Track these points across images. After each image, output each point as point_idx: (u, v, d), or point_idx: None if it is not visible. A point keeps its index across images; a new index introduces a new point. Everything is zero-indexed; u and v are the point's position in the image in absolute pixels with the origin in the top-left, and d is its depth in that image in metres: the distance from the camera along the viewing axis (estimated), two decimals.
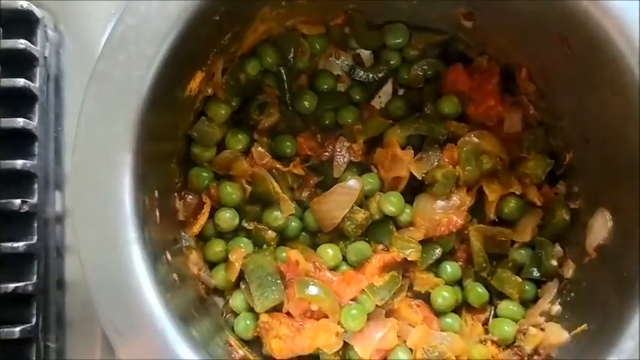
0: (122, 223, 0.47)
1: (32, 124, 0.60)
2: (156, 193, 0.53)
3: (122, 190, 0.47)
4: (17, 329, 0.58)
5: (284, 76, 0.65)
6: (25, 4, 0.62)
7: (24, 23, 0.63)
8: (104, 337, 0.60)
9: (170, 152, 0.58)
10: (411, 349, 0.59)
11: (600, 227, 0.56)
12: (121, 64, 0.47)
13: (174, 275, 0.54)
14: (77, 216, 0.47)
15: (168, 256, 0.54)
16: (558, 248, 0.62)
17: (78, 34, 0.65)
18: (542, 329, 0.59)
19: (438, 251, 0.63)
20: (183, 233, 0.60)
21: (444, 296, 0.62)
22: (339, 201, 0.62)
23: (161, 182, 0.55)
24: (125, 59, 0.47)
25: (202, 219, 0.61)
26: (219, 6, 0.51)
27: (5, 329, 0.57)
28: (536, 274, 0.63)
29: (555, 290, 0.61)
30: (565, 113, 0.60)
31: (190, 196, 0.61)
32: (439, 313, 0.63)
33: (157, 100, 0.49)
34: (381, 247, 0.64)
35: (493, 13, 0.57)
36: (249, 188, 0.63)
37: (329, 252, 0.63)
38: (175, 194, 0.60)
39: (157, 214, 0.53)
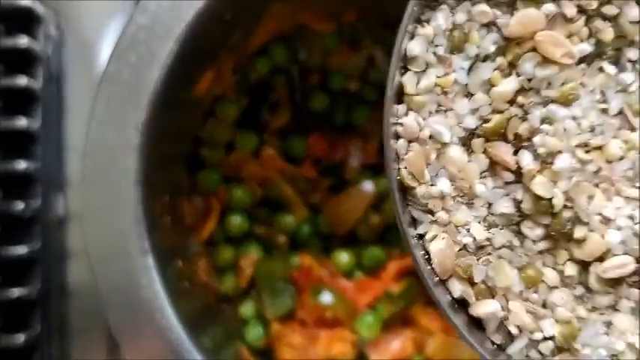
0: (134, 231, 0.45)
1: (35, 124, 0.59)
2: (167, 198, 0.51)
3: (134, 196, 0.45)
4: (22, 336, 0.55)
5: (295, 75, 0.63)
6: (28, 2, 0.60)
7: (25, 21, 0.60)
8: (108, 343, 0.59)
9: (179, 155, 0.57)
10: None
11: None
12: (132, 65, 0.45)
13: (186, 283, 0.52)
14: (88, 223, 0.45)
15: (180, 264, 0.52)
16: None
17: (79, 33, 0.63)
18: None
19: None
20: (192, 239, 0.59)
21: None
22: (354, 204, 0.61)
23: (171, 186, 0.54)
24: (136, 60, 0.45)
25: (211, 223, 0.59)
26: (231, 2, 0.49)
27: (10, 336, 0.55)
28: None
29: None
30: None
31: (198, 200, 0.60)
32: None
33: (167, 101, 0.47)
34: (396, 252, 0.62)
35: None
36: (259, 191, 0.61)
37: (343, 257, 0.61)
38: (184, 198, 0.58)
39: (168, 219, 0.51)
